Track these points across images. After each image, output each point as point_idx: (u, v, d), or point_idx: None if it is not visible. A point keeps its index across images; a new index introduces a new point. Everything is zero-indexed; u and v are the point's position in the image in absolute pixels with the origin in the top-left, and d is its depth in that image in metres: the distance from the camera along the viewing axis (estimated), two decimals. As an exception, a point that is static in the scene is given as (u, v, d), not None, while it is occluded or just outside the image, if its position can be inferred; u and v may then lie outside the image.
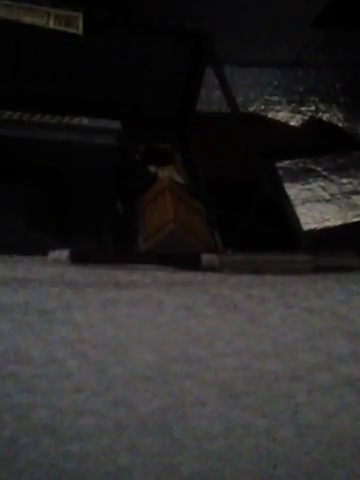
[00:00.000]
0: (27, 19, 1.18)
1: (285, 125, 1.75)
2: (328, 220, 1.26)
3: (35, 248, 0.76)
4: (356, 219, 1.27)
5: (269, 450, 0.56)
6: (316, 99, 1.79)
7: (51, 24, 1.19)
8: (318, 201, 1.31)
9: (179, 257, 0.84)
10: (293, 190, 1.33)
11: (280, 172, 1.36)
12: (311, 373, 0.64)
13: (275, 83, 1.79)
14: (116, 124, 1.19)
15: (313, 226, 1.25)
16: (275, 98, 1.78)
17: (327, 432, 0.58)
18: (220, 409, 0.59)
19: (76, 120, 1.19)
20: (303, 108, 1.78)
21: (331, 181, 1.35)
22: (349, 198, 1.31)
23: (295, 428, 0.58)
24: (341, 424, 0.59)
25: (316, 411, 0.60)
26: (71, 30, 1.21)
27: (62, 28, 1.20)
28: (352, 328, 0.70)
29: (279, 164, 1.38)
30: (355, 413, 0.60)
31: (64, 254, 0.78)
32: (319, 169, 1.38)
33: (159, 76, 1.37)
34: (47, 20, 1.19)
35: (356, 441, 0.58)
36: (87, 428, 0.56)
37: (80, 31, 1.21)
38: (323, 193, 1.32)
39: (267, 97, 1.78)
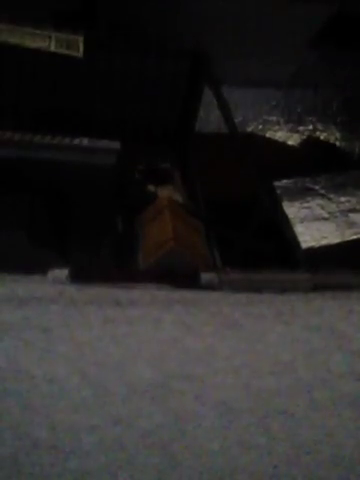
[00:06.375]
0: (29, 43, 1.20)
1: (283, 144, 1.76)
2: (326, 238, 1.27)
3: (35, 266, 0.77)
4: (354, 237, 1.27)
5: (268, 467, 0.56)
6: (314, 119, 1.80)
7: (52, 47, 1.21)
8: (316, 219, 1.31)
9: (178, 275, 0.85)
10: (291, 209, 1.33)
11: (278, 191, 1.37)
12: (310, 390, 0.64)
13: (273, 103, 1.80)
14: (115, 144, 1.21)
15: (311, 244, 1.25)
16: (273, 118, 1.79)
17: (326, 450, 0.59)
18: (219, 426, 0.59)
19: (76, 141, 1.21)
20: (301, 127, 1.79)
21: (329, 199, 1.35)
22: (347, 216, 1.31)
23: (294, 445, 0.58)
24: (340, 442, 0.59)
25: (315, 429, 0.60)
26: (72, 53, 1.23)
27: (63, 51, 1.22)
28: (351, 346, 0.71)
29: (277, 183, 1.38)
30: (354, 431, 0.60)
31: (64, 272, 0.78)
32: (317, 188, 1.38)
33: (158, 96, 1.38)
34: (49, 43, 1.21)
35: (355, 459, 0.58)
36: (86, 445, 0.56)
37: (81, 54, 1.23)
38: (321, 211, 1.33)
39: (265, 117, 1.79)
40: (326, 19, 1.58)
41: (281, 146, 1.75)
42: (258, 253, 1.27)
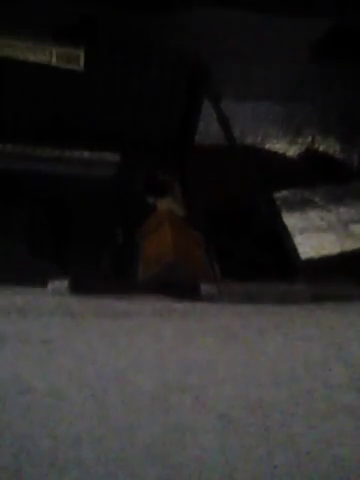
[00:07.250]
0: (30, 57, 1.21)
1: (282, 156, 1.77)
2: (325, 249, 1.27)
3: (36, 277, 0.77)
4: (353, 248, 1.28)
5: (267, 477, 0.56)
6: (312, 131, 1.81)
7: (53, 61, 1.22)
8: (316, 230, 1.32)
9: (178, 287, 0.85)
10: (291, 220, 1.34)
11: (278, 202, 1.38)
12: (309, 401, 0.64)
13: (272, 115, 1.81)
14: (115, 156, 1.21)
15: (311, 255, 1.26)
16: (272, 130, 1.80)
17: (325, 460, 0.59)
18: (219, 438, 0.59)
19: (76, 153, 1.21)
20: (300, 139, 1.80)
21: (328, 211, 1.36)
22: (346, 227, 1.32)
23: (293, 456, 0.58)
24: (339, 452, 0.59)
25: (314, 439, 0.60)
26: (73, 67, 1.23)
27: (64, 65, 1.22)
28: (350, 357, 0.71)
29: (277, 194, 1.39)
30: (353, 440, 0.60)
31: (64, 284, 0.79)
32: (316, 199, 1.39)
33: (158, 108, 1.39)
34: (50, 58, 1.21)
35: (353, 469, 0.58)
36: (87, 457, 0.56)
37: (81, 68, 1.24)
38: (320, 223, 1.33)
39: (264, 129, 1.80)
40: (325, 32, 1.59)
41: (280, 158, 1.76)
42: (258, 264, 1.28)
